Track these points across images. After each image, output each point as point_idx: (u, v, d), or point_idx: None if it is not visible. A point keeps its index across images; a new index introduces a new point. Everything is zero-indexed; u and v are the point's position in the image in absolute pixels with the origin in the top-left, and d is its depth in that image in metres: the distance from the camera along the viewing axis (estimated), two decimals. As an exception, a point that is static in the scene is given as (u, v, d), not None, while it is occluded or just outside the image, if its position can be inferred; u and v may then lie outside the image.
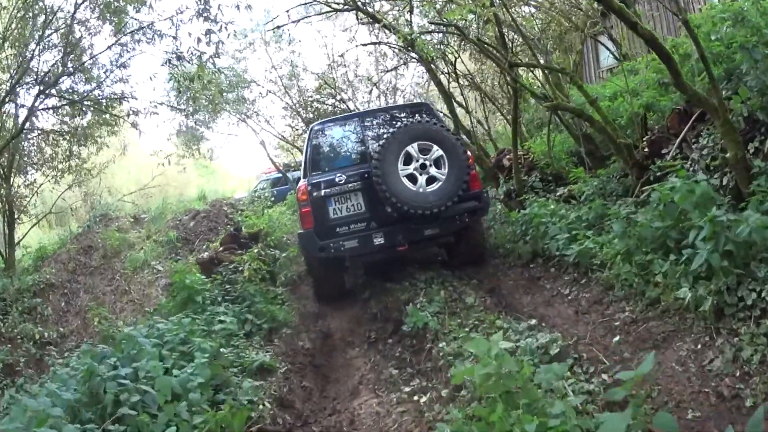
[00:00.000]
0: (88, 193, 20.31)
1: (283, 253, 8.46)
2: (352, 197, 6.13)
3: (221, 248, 7.55)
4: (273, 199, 14.21)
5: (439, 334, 4.89)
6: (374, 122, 6.78)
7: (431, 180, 5.96)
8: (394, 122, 6.55)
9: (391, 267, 7.63)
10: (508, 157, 9.17)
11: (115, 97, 9.87)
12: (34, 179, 14.25)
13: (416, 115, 6.59)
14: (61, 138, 12.94)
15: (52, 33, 9.34)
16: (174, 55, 7.94)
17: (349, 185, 6.12)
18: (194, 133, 17.60)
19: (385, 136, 6.07)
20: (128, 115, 9.63)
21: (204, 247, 9.13)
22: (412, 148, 5.94)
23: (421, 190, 5.89)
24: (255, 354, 4.95)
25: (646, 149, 6.66)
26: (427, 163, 5.98)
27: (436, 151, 5.96)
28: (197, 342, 4.20)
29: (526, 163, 9.01)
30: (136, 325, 5.60)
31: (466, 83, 11.65)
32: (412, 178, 5.92)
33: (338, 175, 6.20)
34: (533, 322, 4.76)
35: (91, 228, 12.57)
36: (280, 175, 18.17)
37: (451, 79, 10.90)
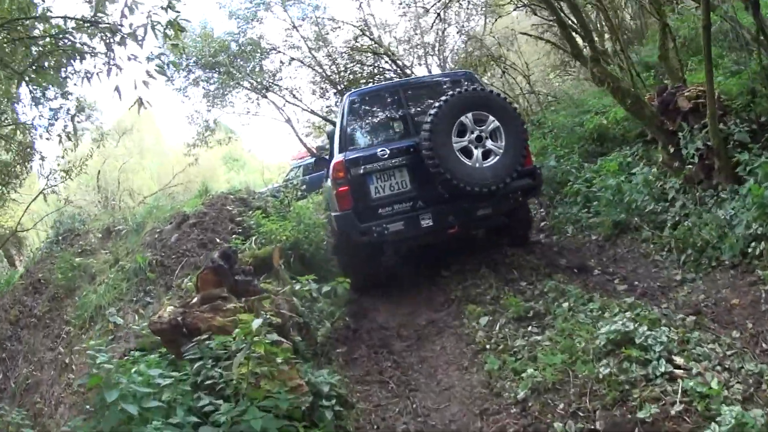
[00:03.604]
0: (108, 198, 17.33)
1: (324, 286, 4.64)
2: (396, 174, 5.66)
3: (195, 297, 3.82)
4: (304, 188, 10.39)
5: None
6: (416, 92, 6.34)
7: (487, 154, 5.49)
8: (438, 92, 5.98)
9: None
10: (686, 94, 5.46)
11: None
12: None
13: (463, 83, 6.03)
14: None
15: None
16: None
17: (393, 161, 5.64)
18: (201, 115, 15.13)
19: (436, 104, 5.49)
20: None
21: (186, 281, 5.45)
22: (467, 119, 5.45)
23: (477, 165, 5.41)
24: None
25: None
26: (483, 135, 5.49)
27: (492, 122, 5.48)
28: None
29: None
30: None
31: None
32: (467, 152, 5.44)
33: (380, 149, 5.71)
34: None
35: (51, 251, 8.99)
36: (314, 159, 14.82)
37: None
